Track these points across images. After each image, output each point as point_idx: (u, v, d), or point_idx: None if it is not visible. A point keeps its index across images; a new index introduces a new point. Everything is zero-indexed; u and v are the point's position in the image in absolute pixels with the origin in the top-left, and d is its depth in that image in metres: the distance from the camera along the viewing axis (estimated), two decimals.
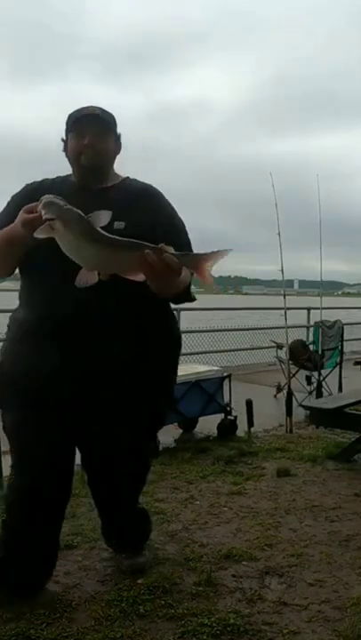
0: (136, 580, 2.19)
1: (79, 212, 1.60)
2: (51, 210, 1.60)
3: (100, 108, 1.97)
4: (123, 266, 1.60)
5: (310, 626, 1.96)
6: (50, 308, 1.91)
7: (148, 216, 1.93)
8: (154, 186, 2.08)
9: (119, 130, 2.03)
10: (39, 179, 2.09)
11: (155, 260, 1.52)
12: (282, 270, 5.23)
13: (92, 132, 1.94)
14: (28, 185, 2.07)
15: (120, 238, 1.59)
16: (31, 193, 1.95)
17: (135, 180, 2.09)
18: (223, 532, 2.69)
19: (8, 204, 2.04)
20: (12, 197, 2.05)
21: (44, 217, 1.60)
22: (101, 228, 1.59)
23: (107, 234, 1.58)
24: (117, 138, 2.02)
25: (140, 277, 1.59)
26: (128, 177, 2.09)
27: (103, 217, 1.60)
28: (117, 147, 2.04)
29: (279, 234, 5.18)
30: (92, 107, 1.96)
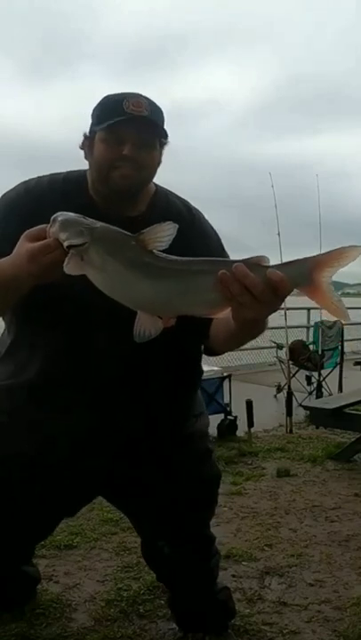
0: (136, 580, 2.19)
1: (120, 229, 1.11)
2: (75, 231, 1.07)
3: (148, 100, 1.35)
4: (200, 299, 1.07)
5: (310, 626, 1.95)
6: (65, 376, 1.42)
7: (196, 251, 1.21)
8: (192, 206, 1.56)
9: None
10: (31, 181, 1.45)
11: (253, 279, 1.01)
12: None
13: (135, 140, 1.33)
14: (27, 187, 1.44)
15: (190, 259, 1.08)
16: (32, 202, 1.38)
17: (167, 199, 1.52)
18: (223, 532, 2.69)
19: None
20: (2, 207, 1.43)
21: (66, 244, 1.07)
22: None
23: (168, 257, 1.07)
24: (163, 143, 1.42)
25: (225, 313, 1.08)
26: (157, 189, 1.52)
27: (163, 232, 1.07)
28: (161, 155, 1.44)
29: (279, 234, 5.19)
30: (136, 98, 1.34)
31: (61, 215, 1.11)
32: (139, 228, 1.22)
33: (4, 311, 1.44)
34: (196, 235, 1.43)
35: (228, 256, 1.54)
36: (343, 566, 2.38)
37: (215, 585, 1.81)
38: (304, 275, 1.04)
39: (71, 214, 1.11)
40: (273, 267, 1.04)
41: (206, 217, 1.58)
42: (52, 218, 1.12)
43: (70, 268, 1.06)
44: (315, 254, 1.05)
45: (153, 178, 1.45)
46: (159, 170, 1.45)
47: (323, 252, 1.05)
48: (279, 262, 1.08)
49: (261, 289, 1.01)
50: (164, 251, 1.07)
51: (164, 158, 1.44)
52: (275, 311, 1.10)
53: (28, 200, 1.40)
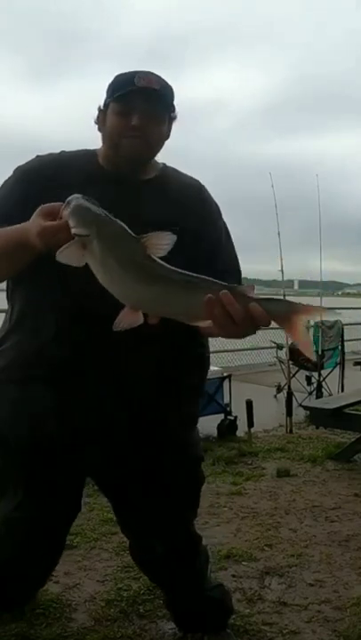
0: (136, 580, 2.19)
1: (126, 227, 1.15)
2: (83, 221, 1.13)
3: (159, 77, 1.43)
4: (184, 310, 1.15)
5: (310, 626, 1.96)
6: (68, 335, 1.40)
7: (196, 224, 1.44)
8: (201, 183, 1.63)
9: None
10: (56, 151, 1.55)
11: (236, 309, 1.10)
12: (282, 270, 5.26)
13: (143, 112, 1.41)
14: (40, 157, 1.52)
15: (183, 272, 1.14)
16: (46, 170, 1.46)
17: (177, 171, 1.60)
18: (223, 532, 2.69)
19: (9, 184, 1.48)
20: (19, 174, 1.49)
21: (73, 231, 1.13)
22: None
23: (164, 264, 1.13)
24: (172, 118, 1.50)
25: (206, 324, 1.16)
26: (165, 164, 1.59)
27: (164, 241, 1.13)
28: (170, 130, 1.51)
29: (279, 234, 5.20)
30: (147, 74, 1.42)
31: (75, 200, 1.17)
32: (152, 190, 1.45)
33: (4, 277, 1.48)
34: (201, 210, 1.55)
35: (224, 223, 1.61)
36: (343, 566, 2.38)
37: (207, 582, 1.81)
38: (285, 314, 1.14)
39: (86, 200, 1.17)
40: (257, 300, 1.11)
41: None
42: (67, 200, 1.18)
43: (65, 256, 1.13)
44: (296, 302, 1.17)
45: (160, 149, 1.52)
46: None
47: (312, 306, 1.17)
48: (263, 297, 1.16)
49: (242, 317, 1.10)
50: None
51: (166, 159, 1.53)
52: (252, 334, 1.18)
53: (39, 165, 1.50)
